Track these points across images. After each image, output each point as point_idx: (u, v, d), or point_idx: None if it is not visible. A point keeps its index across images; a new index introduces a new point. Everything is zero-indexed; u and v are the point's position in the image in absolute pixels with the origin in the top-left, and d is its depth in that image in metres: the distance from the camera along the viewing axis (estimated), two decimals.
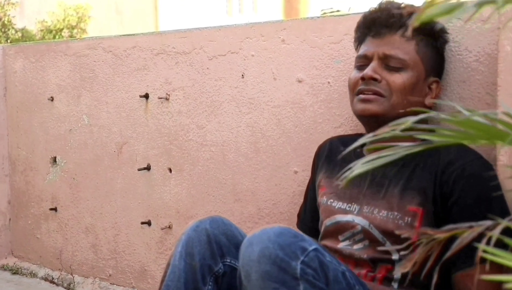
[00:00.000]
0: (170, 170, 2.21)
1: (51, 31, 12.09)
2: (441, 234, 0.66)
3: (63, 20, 12.21)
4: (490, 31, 1.53)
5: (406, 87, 1.45)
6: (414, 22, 0.66)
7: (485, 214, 1.30)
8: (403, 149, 0.67)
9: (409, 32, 1.42)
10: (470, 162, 1.36)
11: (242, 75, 2.01)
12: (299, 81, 1.89)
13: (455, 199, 1.34)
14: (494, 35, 1.51)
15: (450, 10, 0.64)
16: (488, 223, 0.71)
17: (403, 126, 0.69)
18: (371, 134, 0.72)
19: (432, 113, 0.69)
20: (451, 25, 1.55)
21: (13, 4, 11.80)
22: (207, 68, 2.09)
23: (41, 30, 12.17)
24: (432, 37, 1.51)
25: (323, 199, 1.57)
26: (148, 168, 2.26)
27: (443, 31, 1.54)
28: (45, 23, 12.25)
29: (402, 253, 1.36)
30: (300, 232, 1.28)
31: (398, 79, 1.46)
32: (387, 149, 0.70)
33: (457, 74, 1.57)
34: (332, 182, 1.57)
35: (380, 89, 1.46)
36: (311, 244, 1.23)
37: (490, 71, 1.53)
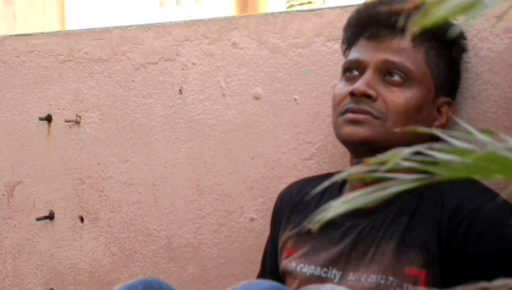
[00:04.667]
0: (82, 219, 2.19)
1: None
2: None
3: None
4: (507, 31, 1.57)
5: (409, 109, 1.46)
6: (417, 23, 0.66)
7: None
8: (397, 183, 0.68)
9: (406, 37, 1.43)
10: (484, 205, 1.38)
11: (180, 90, 2.02)
12: (256, 98, 1.91)
13: (469, 256, 1.37)
14: None
15: (471, 4, 0.64)
16: (509, 283, 0.73)
17: (396, 158, 0.70)
18: (353, 168, 0.73)
19: (436, 144, 0.71)
20: (456, 22, 1.60)
21: None
22: (132, 80, 2.10)
23: None
24: (446, 44, 1.52)
25: (290, 264, 1.56)
26: (50, 216, 2.24)
27: (461, 36, 1.55)
28: None
29: None
30: None
31: (400, 98, 1.47)
32: (377, 183, 0.70)
33: (465, 88, 1.61)
34: (302, 241, 1.57)
35: (372, 109, 1.47)
36: None
37: (508, 84, 1.57)
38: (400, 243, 1.42)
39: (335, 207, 0.71)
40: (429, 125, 1.50)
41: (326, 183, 0.80)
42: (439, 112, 1.52)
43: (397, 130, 1.43)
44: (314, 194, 1.59)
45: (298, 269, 1.54)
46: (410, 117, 1.47)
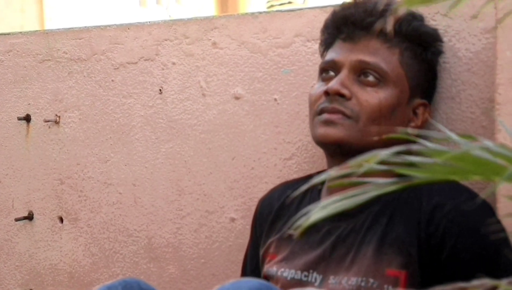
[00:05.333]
0: (61, 220, 2.19)
1: None
2: None
3: None
4: (485, 32, 1.59)
5: (382, 109, 1.48)
6: (395, 12, 0.67)
7: (491, 271, 1.33)
8: (375, 187, 0.68)
9: (389, 29, 1.44)
10: (462, 204, 1.40)
11: (160, 90, 2.02)
12: (236, 98, 1.92)
13: (447, 255, 1.38)
14: (491, 36, 1.57)
15: None
16: (486, 283, 0.74)
17: (375, 159, 0.71)
18: (331, 171, 0.74)
19: (412, 146, 0.71)
20: (434, 23, 1.62)
21: None
22: (112, 80, 2.10)
23: None
24: (421, 46, 1.53)
25: (271, 269, 1.57)
26: (29, 217, 2.24)
27: (436, 37, 1.57)
28: None
29: None
30: None
31: (373, 98, 1.48)
32: (355, 187, 0.71)
33: (443, 88, 1.62)
34: (283, 245, 1.58)
35: (346, 108, 1.48)
36: None
37: (486, 84, 1.59)
38: (380, 244, 1.43)
39: (315, 213, 0.72)
40: (404, 126, 1.51)
41: (305, 187, 0.81)
42: (415, 113, 1.54)
43: (375, 138, 1.45)
44: (294, 198, 1.59)
45: (279, 273, 1.55)
46: (384, 118, 1.48)
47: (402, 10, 0.65)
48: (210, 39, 1.94)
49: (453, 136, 0.69)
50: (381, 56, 1.50)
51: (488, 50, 1.57)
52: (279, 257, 1.56)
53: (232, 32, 1.91)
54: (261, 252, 1.63)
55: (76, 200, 2.16)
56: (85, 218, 2.15)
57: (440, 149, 0.67)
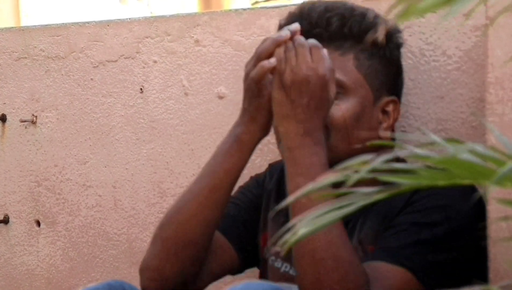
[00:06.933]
0: (38, 223, 2.18)
1: None
2: None
3: None
4: (475, 29, 1.60)
5: (346, 120, 1.48)
6: (397, 17, 0.67)
7: (433, 237, 1.40)
8: (362, 197, 0.69)
9: (380, 38, 1.42)
10: (446, 187, 1.44)
11: (141, 89, 2.02)
12: (220, 97, 1.92)
13: (402, 213, 1.45)
14: (481, 34, 1.58)
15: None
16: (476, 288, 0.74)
17: (366, 169, 0.71)
18: (318, 181, 0.74)
19: (402, 151, 0.71)
20: (423, 21, 1.62)
21: None
22: (91, 79, 2.09)
23: None
24: (376, 45, 1.50)
25: (268, 253, 1.60)
26: (5, 221, 2.23)
27: (392, 31, 1.54)
28: None
29: None
30: None
31: (336, 111, 1.47)
32: (341, 197, 0.72)
33: (432, 87, 1.63)
34: (275, 229, 1.59)
35: None
36: None
37: (476, 83, 1.60)
38: (362, 228, 1.49)
39: (303, 227, 0.72)
40: (375, 129, 1.52)
41: (290, 200, 0.82)
42: (385, 112, 1.53)
43: (358, 146, 1.47)
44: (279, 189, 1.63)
45: (270, 262, 1.58)
46: (350, 127, 1.48)
47: (391, 22, 0.65)
48: (193, 37, 1.94)
49: (439, 140, 0.69)
50: (335, 66, 1.45)
51: (478, 49, 1.58)
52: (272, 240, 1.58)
53: (216, 29, 1.91)
54: (260, 225, 1.64)
55: (54, 203, 2.16)
56: (63, 222, 2.15)
57: (425, 154, 0.67)
